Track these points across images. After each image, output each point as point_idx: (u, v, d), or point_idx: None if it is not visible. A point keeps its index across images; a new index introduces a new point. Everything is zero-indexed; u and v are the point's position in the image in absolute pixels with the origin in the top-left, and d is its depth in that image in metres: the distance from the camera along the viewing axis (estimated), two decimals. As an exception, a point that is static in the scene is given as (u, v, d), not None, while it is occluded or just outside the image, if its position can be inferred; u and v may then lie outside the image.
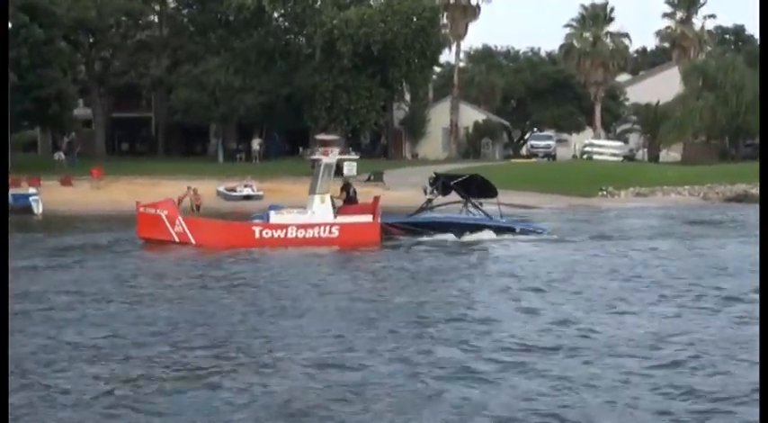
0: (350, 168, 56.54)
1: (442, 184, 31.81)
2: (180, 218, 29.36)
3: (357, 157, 33.21)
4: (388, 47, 69.96)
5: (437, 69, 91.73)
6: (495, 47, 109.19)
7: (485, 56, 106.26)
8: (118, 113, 79.26)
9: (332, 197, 30.09)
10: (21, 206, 45.03)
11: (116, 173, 56.87)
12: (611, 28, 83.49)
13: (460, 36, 79.27)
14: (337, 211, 29.58)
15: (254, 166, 67.19)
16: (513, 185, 54.61)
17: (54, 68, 55.89)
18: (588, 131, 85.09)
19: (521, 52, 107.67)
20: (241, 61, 69.66)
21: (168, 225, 28.94)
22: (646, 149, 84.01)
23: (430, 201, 32.06)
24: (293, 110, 71.28)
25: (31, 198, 45.73)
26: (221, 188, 51.85)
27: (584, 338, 14.86)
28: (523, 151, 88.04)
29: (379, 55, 70.15)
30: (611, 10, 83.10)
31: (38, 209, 45.14)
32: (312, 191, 29.96)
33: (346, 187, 31.44)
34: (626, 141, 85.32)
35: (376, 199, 31.08)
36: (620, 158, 74.51)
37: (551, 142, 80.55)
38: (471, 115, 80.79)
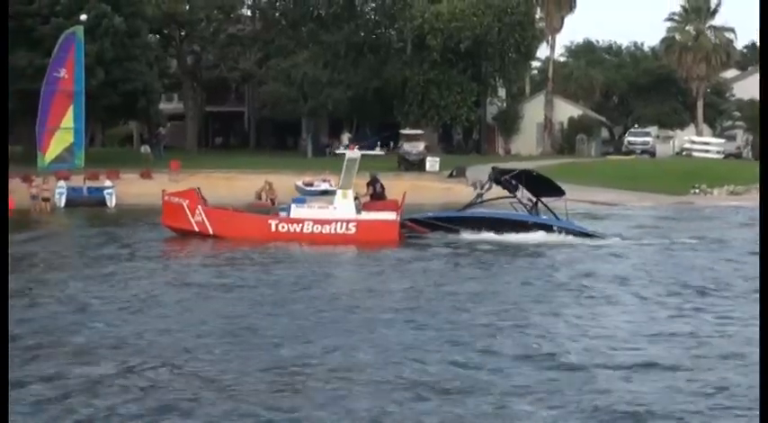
0: (432, 164, 55.85)
1: (495, 178, 30.24)
2: (200, 207, 29.31)
3: (382, 152, 31.64)
4: (480, 41, 68.27)
5: (537, 64, 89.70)
6: (598, 42, 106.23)
7: (586, 50, 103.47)
8: (212, 107, 79.25)
9: (366, 194, 29.70)
10: (95, 199, 44.79)
11: (202, 166, 56.46)
12: (715, 22, 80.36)
13: (556, 30, 76.96)
14: (362, 207, 28.86)
15: (341, 161, 66.12)
16: (603, 182, 52.86)
17: (140, 62, 55.42)
18: (692, 128, 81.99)
19: (623, 47, 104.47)
20: (330, 55, 68.63)
21: (189, 214, 29.10)
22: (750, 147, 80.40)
23: (480, 196, 30.74)
24: (383, 105, 70.02)
25: (105, 191, 45.47)
26: (299, 183, 50.78)
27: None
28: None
29: (471, 49, 68.53)
30: (717, 3, 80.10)
31: (111, 202, 44.80)
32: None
33: (373, 182, 30.88)
34: (733, 138, 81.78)
35: (403, 196, 30.01)
36: (722, 156, 71.30)
37: (649, 139, 77.47)
38: (567, 111, 78.40)
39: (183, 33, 69.79)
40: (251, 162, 59.27)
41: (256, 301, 18.22)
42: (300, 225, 28.29)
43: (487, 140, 76.49)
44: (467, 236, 28.03)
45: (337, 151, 30.33)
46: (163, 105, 78.80)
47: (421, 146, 58.57)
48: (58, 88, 43.65)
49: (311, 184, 51.37)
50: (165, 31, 68.82)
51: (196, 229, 29.01)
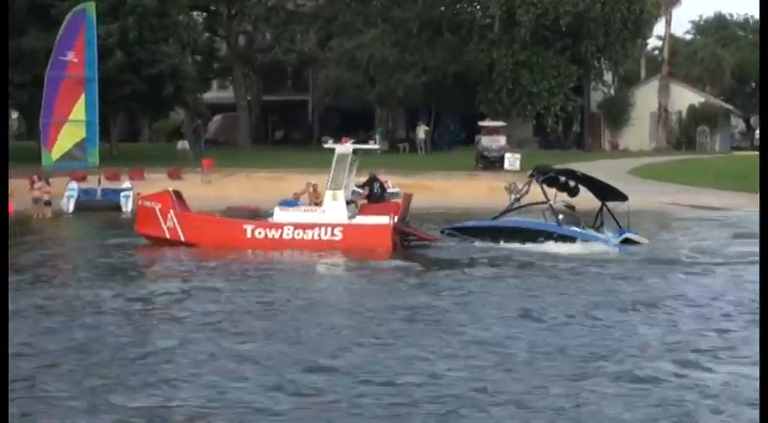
0: (512, 161, 53.98)
1: (548, 178, 29.13)
2: (172, 212, 28.95)
3: (377, 147, 30.42)
4: (581, 16, 66.21)
5: (657, 42, 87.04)
6: (731, 16, 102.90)
7: (717, 26, 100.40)
8: (271, 96, 78.45)
9: (365, 196, 29.44)
10: (109, 202, 43.97)
11: (248, 165, 55.63)
12: None
13: (673, 2, 74.44)
14: (359, 210, 28.56)
15: (414, 158, 64.71)
16: (720, 183, 50.56)
17: (169, 43, 54.66)
18: None
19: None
20: (401, 33, 67.14)
21: (161, 220, 28.94)
22: None
23: (518, 200, 29.88)
24: (464, 91, 68.26)
25: (122, 194, 44.53)
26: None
27: None
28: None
29: (570, 26, 66.45)
30: None
31: (127, 206, 43.73)
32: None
33: (371, 182, 30.39)
34: None
35: (405, 197, 30.02)
36: None
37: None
38: (686, 98, 75.64)
39: (232, 11, 68.88)
40: (308, 160, 58.06)
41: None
42: (279, 231, 27.96)
43: (591, 133, 74.20)
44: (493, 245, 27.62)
45: (326, 145, 29.08)
46: (216, 94, 78.54)
47: (502, 140, 56.99)
48: (65, 74, 42.80)
49: (363, 187, 50.07)
50: (213, 8, 68.13)
51: (168, 235, 28.92)
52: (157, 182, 49.81)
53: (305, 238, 27.76)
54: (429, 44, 67.53)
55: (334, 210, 27.94)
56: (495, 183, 48.87)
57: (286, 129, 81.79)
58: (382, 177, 50.51)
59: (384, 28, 67.51)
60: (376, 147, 30.40)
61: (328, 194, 28.25)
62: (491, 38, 68.00)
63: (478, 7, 70.15)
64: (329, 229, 27.75)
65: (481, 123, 60.27)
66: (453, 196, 47.74)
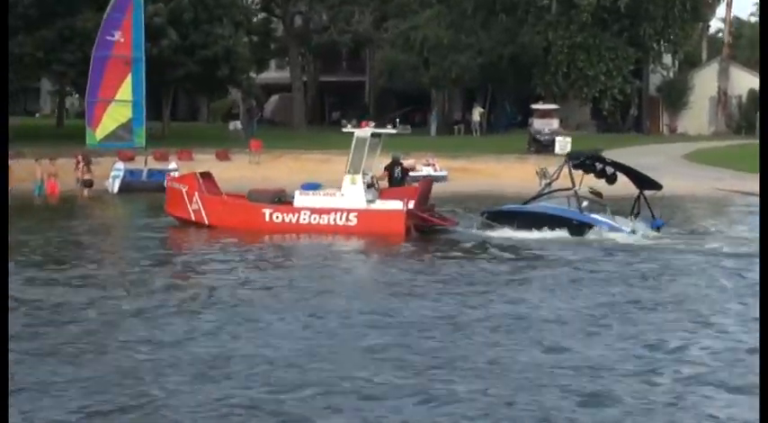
0: (563, 145, 53.03)
1: (584, 164, 28.48)
2: (197, 195, 29.22)
3: (394, 130, 29.81)
4: (641, -1, 64.99)
5: (721, 25, 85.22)
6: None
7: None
8: (327, 77, 77.97)
9: (375, 178, 29.01)
10: (155, 183, 43.59)
11: (300, 146, 55.24)
12: None
13: (735, -18, 72.71)
14: (379, 195, 28.58)
15: (468, 140, 63.94)
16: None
17: (223, 24, 54.33)
18: None
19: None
20: (457, 14, 66.23)
21: (187, 202, 29.26)
22: None
23: (548, 185, 29.41)
24: (519, 74, 67.20)
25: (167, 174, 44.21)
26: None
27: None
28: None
29: (628, 8, 65.13)
30: None
31: (170, 186, 43.57)
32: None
33: (392, 166, 30.27)
34: None
35: (422, 182, 30.05)
36: None
37: None
38: (747, 81, 73.73)
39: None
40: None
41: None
42: (296, 215, 28.08)
43: (650, 117, 72.80)
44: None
45: (344, 129, 28.76)
46: (273, 74, 78.20)
47: (555, 123, 56.27)
48: (111, 54, 42.81)
49: (413, 169, 49.44)
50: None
51: (193, 217, 29.26)
52: (205, 163, 49.51)
53: (320, 222, 27.84)
54: (484, 25, 66.52)
55: (352, 194, 27.90)
56: (544, 166, 48.20)
57: (343, 110, 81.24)
58: (430, 160, 50.50)
59: (439, 9, 66.66)
60: (394, 131, 29.84)
61: (347, 179, 28.15)
62: (548, 19, 66.79)
63: (535, -12, 68.82)
64: (344, 214, 27.76)
65: (533, 106, 59.40)
66: (502, 179, 47.00)
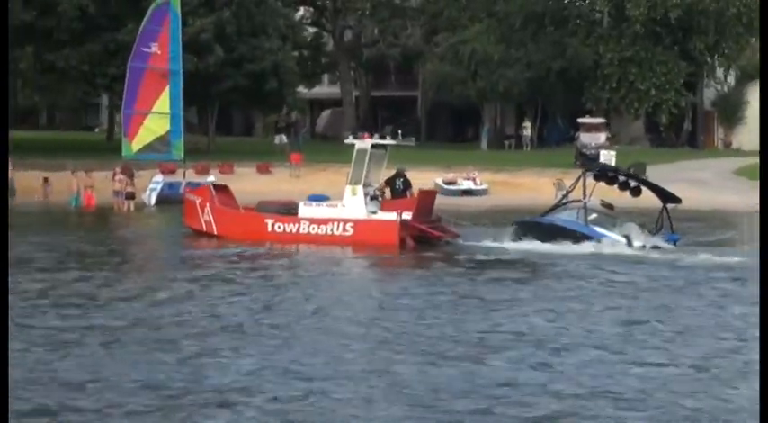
0: (607, 159, 51.94)
1: (607, 176, 28.30)
2: (208, 206, 29.92)
3: (393, 142, 30.01)
4: (692, 11, 63.61)
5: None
6: None
7: None
8: (379, 92, 77.49)
9: (380, 189, 29.38)
10: (188, 196, 43.44)
11: (346, 159, 54.66)
12: None
13: (792, -4, 70.81)
14: (381, 206, 28.79)
15: (517, 155, 63.04)
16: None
17: (270, 37, 54.03)
18: None
19: None
20: (505, 28, 65.40)
21: (200, 213, 30.04)
22: None
23: (565, 196, 29.33)
24: (569, 87, 66.18)
25: (200, 188, 43.99)
26: (438, 180, 48.13)
27: None
28: None
29: (680, 21, 63.87)
30: None
31: (208, 199, 43.27)
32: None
33: (394, 178, 30.40)
34: None
35: (421, 194, 29.68)
36: None
37: None
38: (805, 95, 72.15)
39: (338, 5, 68.07)
40: (409, 156, 56.96)
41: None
42: (297, 225, 28.55)
43: (704, 131, 71.34)
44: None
45: (346, 141, 28.92)
46: (327, 89, 77.92)
47: (602, 137, 55.64)
48: (147, 66, 42.71)
49: (453, 183, 48.80)
50: (319, 3, 67.43)
51: (204, 228, 30.03)
52: (245, 176, 49.52)
53: (319, 232, 28.26)
54: (533, 39, 65.67)
55: (353, 205, 28.23)
56: (587, 181, 47.17)
57: (395, 124, 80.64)
58: (471, 174, 49.81)
59: (489, 23, 65.89)
60: (393, 142, 29.74)
61: (348, 190, 28.49)
62: (599, 33, 65.76)
63: (587, 2, 67.72)
64: (341, 224, 28.15)
65: (580, 120, 58.66)
66: (542, 193, 46.01)
